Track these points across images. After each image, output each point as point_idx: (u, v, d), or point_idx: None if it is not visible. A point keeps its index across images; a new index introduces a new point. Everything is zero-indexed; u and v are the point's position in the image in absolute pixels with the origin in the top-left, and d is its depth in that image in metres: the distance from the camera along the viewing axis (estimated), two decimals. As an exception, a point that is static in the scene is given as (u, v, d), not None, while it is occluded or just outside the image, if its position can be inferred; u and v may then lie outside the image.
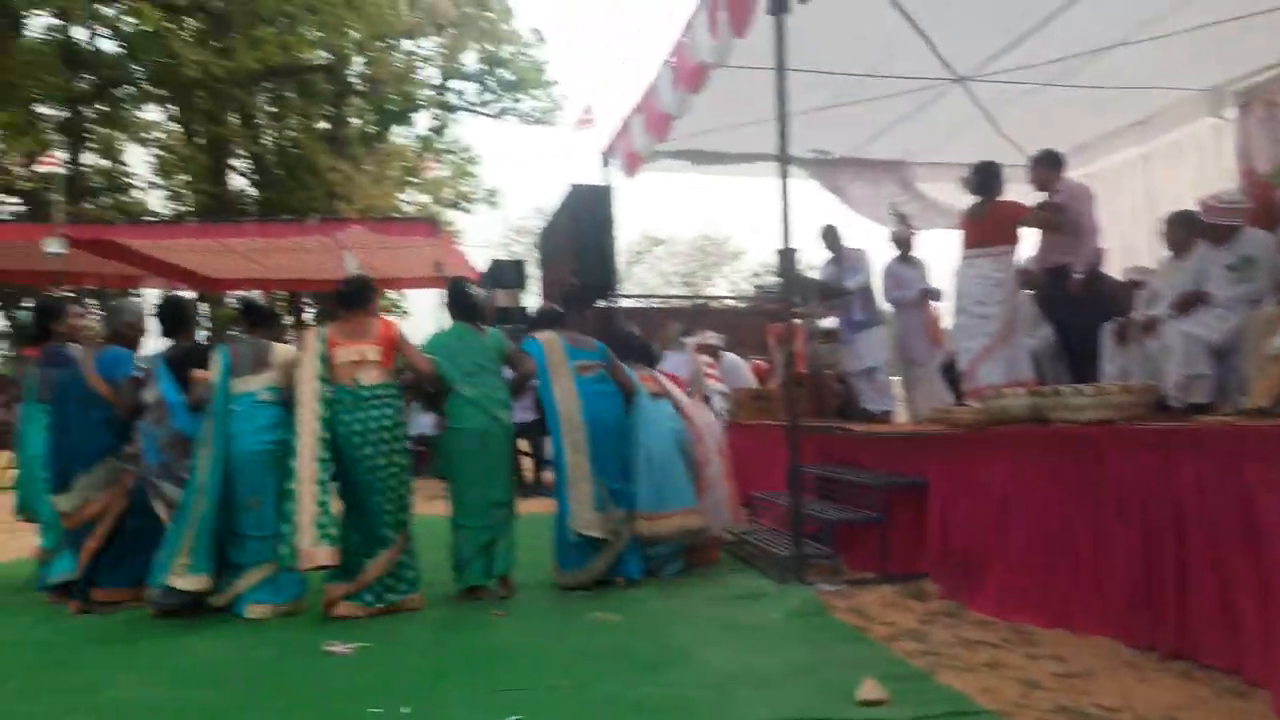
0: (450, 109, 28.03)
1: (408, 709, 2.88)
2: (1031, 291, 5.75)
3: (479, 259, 17.91)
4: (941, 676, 3.06)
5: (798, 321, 7.03)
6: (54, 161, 13.23)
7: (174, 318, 4.71)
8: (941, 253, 7.15)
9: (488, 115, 27.75)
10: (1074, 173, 8.70)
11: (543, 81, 27.41)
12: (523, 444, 8.94)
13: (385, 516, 4.28)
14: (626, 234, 32.77)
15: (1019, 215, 5.48)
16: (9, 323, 24.09)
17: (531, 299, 12.02)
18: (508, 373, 4.83)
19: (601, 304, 8.74)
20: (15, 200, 22.23)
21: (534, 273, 14.64)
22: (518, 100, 27.42)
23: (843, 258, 6.87)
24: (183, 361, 4.52)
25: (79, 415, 4.54)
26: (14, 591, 4.94)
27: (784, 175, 4.92)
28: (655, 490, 4.84)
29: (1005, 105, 7.28)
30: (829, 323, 7.53)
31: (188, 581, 4.17)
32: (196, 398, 4.42)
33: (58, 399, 4.61)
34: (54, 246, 11.86)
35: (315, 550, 4.06)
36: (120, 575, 4.48)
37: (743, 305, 14.23)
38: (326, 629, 3.97)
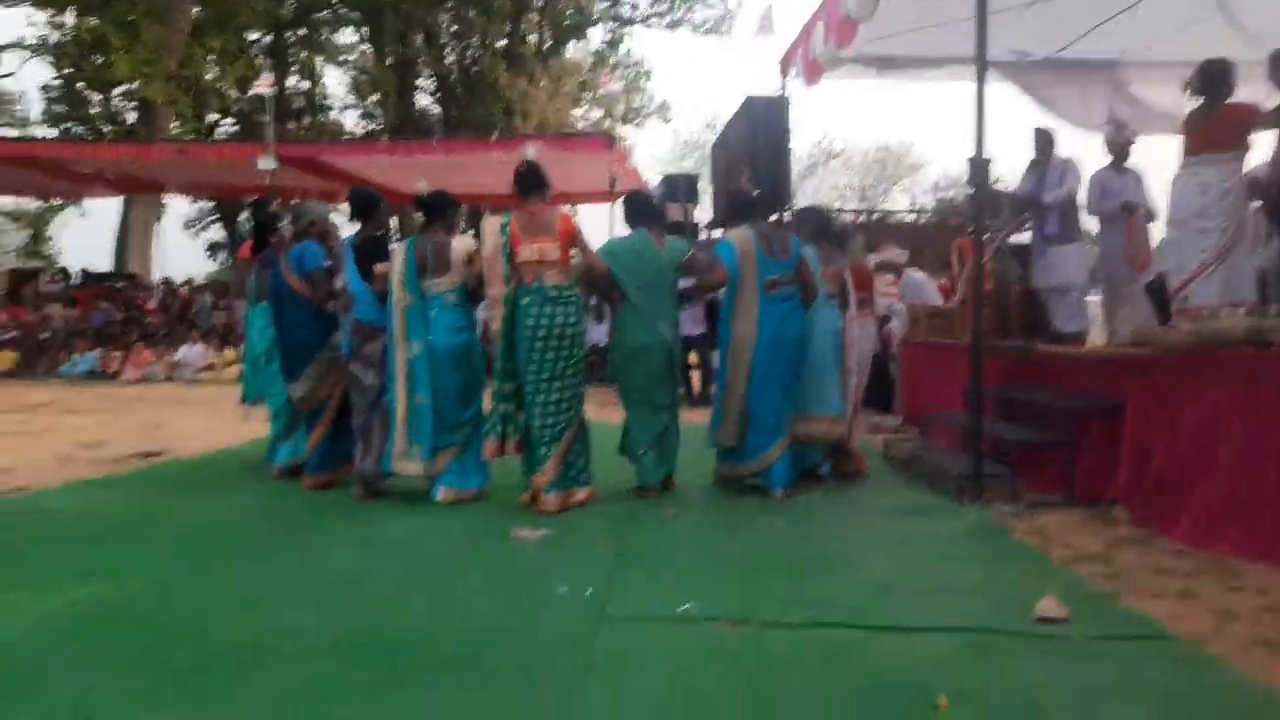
0: (625, 22, 27.83)
1: (590, 590, 3.08)
2: (1260, 203, 5.16)
3: (651, 173, 18.02)
4: (1126, 601, 2.94)
5: (985, 236, 6.66)
6: (267, 85, 14.27)
7: (363, 205, 4.94)
8: (1158, 164, 6.51)
9: (661, 27, 27.34)
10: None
11: (718, -11, 26.63)
12: (691, 357, 9.09)
13: (562, 410, 4.46)
14: (800, 145, 31.77)
15: (1251, 118, 4.89)
16: (227, 233, 26.58)
17: (703, 213, 11.97)
18: (683, 282, 4.89)
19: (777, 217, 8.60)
20: (230, 121, 24.25)
21: (706, 187, 14.57)
22: (692, 9, 26.83)
23: (1048, 167, 6.38)
24: (368, 251, 4.74)
25: (291, 312, 4.97)
26: (247, 469, 5.57)
27: (980, 79, 4.62)
28: (813, 392, 4.86)
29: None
30: (1022, 237, 7.07)
31: (410, 467, 4.55)
32: (380, 289, 4.64)
33: (274, 298, 5.06)
34: (266, 163, 12.92)
35: (494, 441, 4.42)
36: (334, 455, 4.97)
37: (924, 220, 13.63)
38: (514, 516, 4.25)
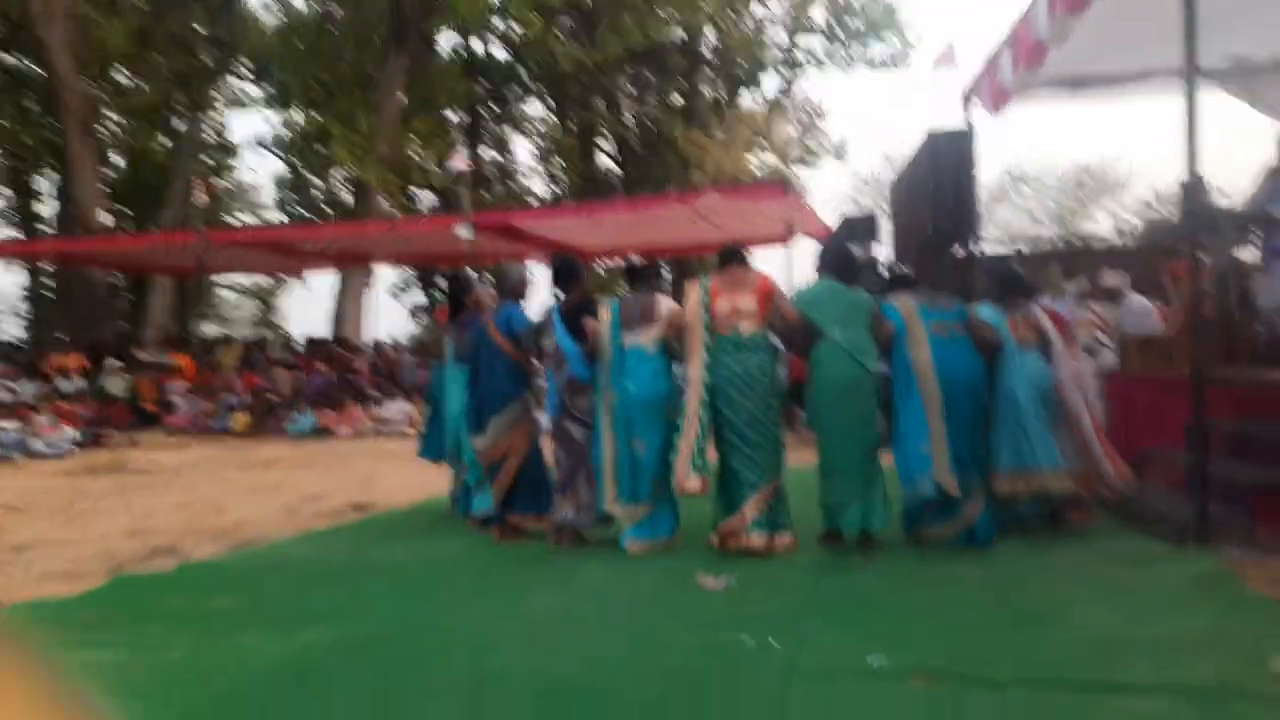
0: (797, 66, 27.96)
1: (776, 641, 3.06)
2: None
3: (828, 213, 17.84)
4: (1389, 662, 2.58)
5: (1203, 257, 6.10)
6: (463, 161, 15.46)
7: (566, 272, 5.23)
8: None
9: (836, 67, 27.23)
10: None
11: (895, 23, 26.23)
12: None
13: (760, 459, 4.53)
14: (988, 174, 30.37)
15: None
16: (427, 297, 28.70)
17: (884, 251, 11.70)
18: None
19: (962, 253, 8.28)
20: (431, 194, 26.36)
21: (885, 225, 14.25)
22: (867, 47, 26.55)
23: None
24: (575, 312, 5.01)
25: (489, 368, 5.27)
26: (437, 519, 5.93)
27: (1190, 95, 4.30)
28: (1014, 447, 4.60)
29: None
30: (1248, 254, 6.40)
31: (620, 511, 4.72)
32: (591, 346, 4.90)
33: (474, 356, 5.38)
34: (465, 232, 13.92)
35: (689, 479, 4.52)
36: (529, 503, 5.19)
37: (1130, 243, 12.64)
38: (701, 564, 4.28)
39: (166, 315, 21.18)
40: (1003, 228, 27.74)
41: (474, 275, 7.58)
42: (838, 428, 4.65)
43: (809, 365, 4.82)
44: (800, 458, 5.48)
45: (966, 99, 8.17)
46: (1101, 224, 27.17)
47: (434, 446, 6.13)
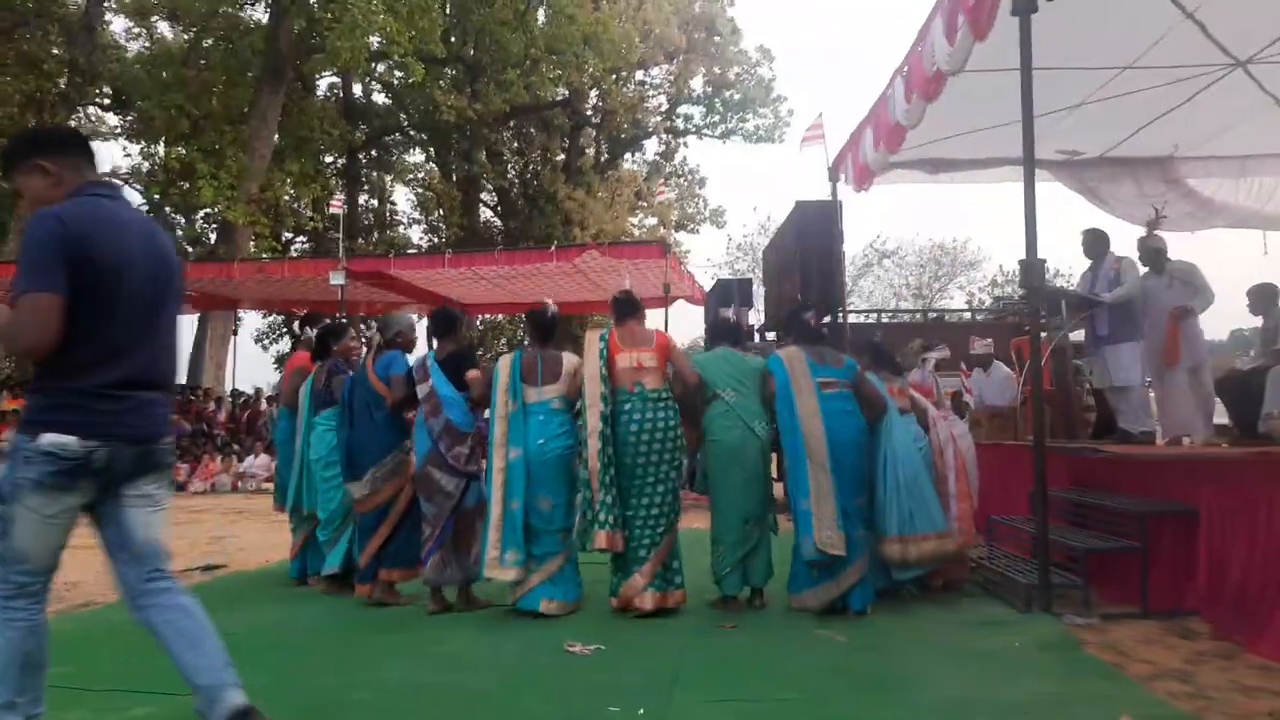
0: (678, 133, 28.85)
1: (643, 710, 3.01)
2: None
3: (704, 278, 18.30)
4: (1213, 724, 2.77)
5: (1044, 335, 6.57)
6: (339, 205, 15.04)
7: (445, 323, 5.15)
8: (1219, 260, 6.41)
9: (714, 137, 28.27)
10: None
11: (769, 99, 27.53)
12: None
13: (658, 516, 4.52)
14: (853, 245, 31.98)
15: None
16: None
17: (756, 317, 12.07)
18: None
19: (827, 320, 8.63)
20: (303, 239, 25.54)
21: (759, 290, 14.72)
22: (744, 120, 27.71)
23: (1102, 266, 6.32)
24: (454, 363, 4.94)
25: (364, 414, 5.10)
26: (291, 582, 5.63)
27: (1029, 183, 4.66)
28: (904, 512, 4.58)
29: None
30: (1078, 336, 6.95)
31: (506, 573, 4.53)
32: (478, 394, 4.83)
33: (347, 402, 5.19)
34: (337, 279, 13.53)
35: (599, 534, 4.45)
36: (402, 557, 4.99)
37: (981, 318, 13.51)
38: (568, 630, 4.20)
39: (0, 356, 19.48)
40: (867, 299, 29.17)
41: (344, 323, 7.25)
42: (726, 492, 4.70)
43: (702, 428, 4.82)
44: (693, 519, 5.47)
45: (833, 174, 8.62)
46: (956, 299, 29.05)
47: (291, 496, 5.80)
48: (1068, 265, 22.29)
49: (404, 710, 3.10)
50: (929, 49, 5.68)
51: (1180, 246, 7.06)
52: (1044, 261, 4.84)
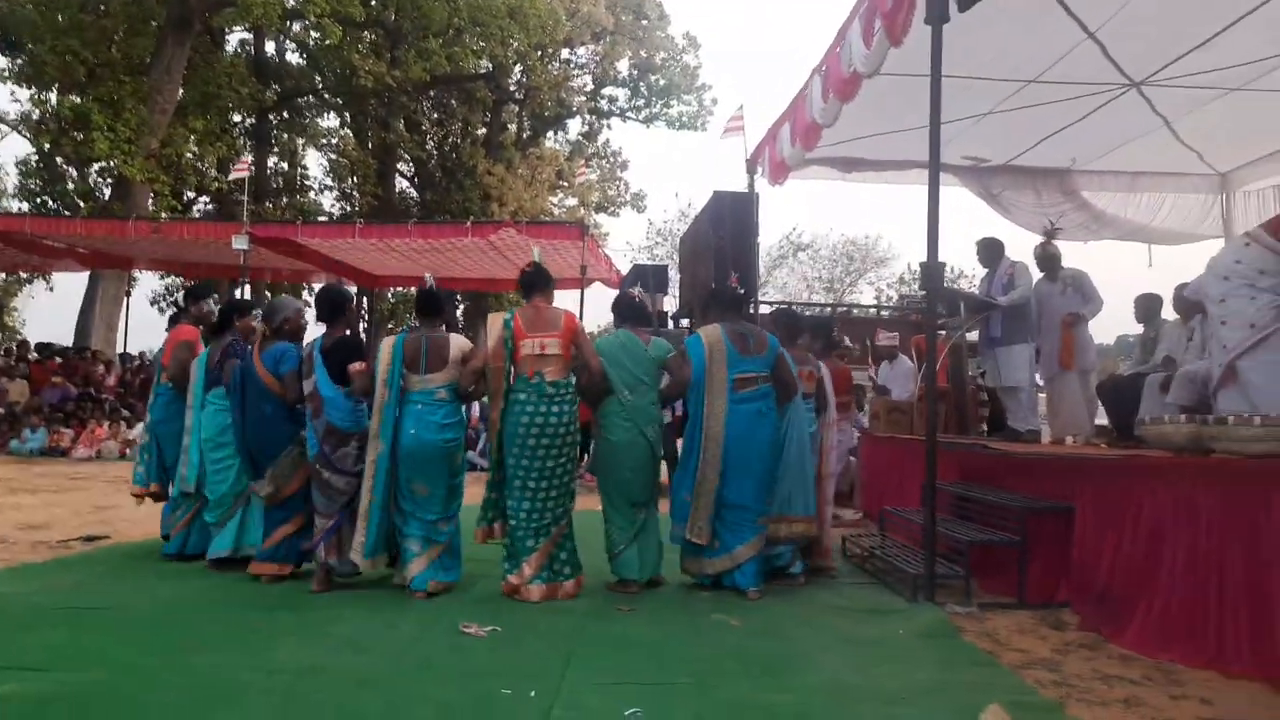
0: (602, 115, 28.70)
1: (534, 691, 3.02)
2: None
3: (623, 262, 18.31)
4: (1072, 710, 2.95)
5: (941, 334, 6.81)
6: (244, 166, 14.42)
7: (330, 306, 4.83)
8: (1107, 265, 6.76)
9: (637, 121, 28.23)
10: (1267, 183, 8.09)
11: (694, 87, 27.63)
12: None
13: (550, 507, 4.49)
14: (769, 237, 32.49)
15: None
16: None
17: (671, 303, 12.16)
18: (665, 378, 4.87)
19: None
20: (205, 200, 24.43)
21: (675, 276, 14.82)
22: (668, 106, 27.75)
23: (997, 271, 6.58)
24: (338, 352, 4.65)
25: (255, 409, 4.82)
26: (153, 558, 5.36)
27: (933, 186, 4.80)
28: (784, 493, 4.82)
29: (1186, 111, 6.86)
30: (974, 336, 7.24)
31: (366, 563, 4.51)
32: (359, 388, 4.59)
33: (239, 391, 4.89)
34: (240, 243, 13.01)
35: (484, 528, 4.52)
36: (289, 549, 4.85)
37: (887, 314, 13.91)
38: (464, 611, 4.17)
39: None
40: (781, 290, 29.71)
41: (249, 300, 6.75)
42: (615, 479, 4.77)
43: (596, 420, 4.84)
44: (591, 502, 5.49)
45: (751, 166, 8.73)
46: (866, 294, 29.84)
47: (149, 474, 5.57)
48: (971, 267, 23.06)
49: (294, 692, 3.03)
50: (846, 50, 5.79)
51: (1073, 255, 7.41)
52: (944, 265, 5.01)
